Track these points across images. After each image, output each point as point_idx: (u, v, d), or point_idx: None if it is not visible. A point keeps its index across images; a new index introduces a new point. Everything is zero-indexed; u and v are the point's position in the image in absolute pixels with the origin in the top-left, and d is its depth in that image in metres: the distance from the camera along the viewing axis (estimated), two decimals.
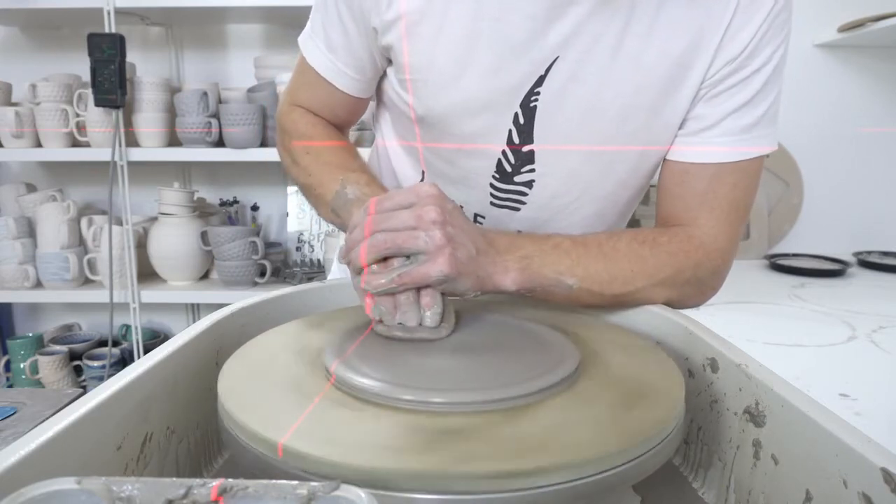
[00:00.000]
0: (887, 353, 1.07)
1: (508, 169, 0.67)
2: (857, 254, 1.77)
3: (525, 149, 0.65)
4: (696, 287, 0.63)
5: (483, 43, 0.60)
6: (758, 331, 1.16)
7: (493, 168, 0.67)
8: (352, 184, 0.63)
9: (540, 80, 0.61)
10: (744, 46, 0.59)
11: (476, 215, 0.73)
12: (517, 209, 0.70)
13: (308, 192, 0.70)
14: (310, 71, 0.70)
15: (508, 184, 0.68)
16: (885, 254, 1.79)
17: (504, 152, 0.66)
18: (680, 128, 0.64)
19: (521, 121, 0.63)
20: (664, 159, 0.67)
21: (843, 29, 1.68)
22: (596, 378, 0.44)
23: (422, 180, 0.75)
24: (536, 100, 0.62)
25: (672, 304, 0.61)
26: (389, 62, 0.67)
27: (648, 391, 0.42)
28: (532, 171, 0.66)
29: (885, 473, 0.30)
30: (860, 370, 1.01)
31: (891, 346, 1.09)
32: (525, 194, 0.68)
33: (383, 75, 0.71)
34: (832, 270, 1.64)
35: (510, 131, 0.64)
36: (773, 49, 0.60)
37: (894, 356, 1.05)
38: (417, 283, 0.49)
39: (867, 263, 1.72)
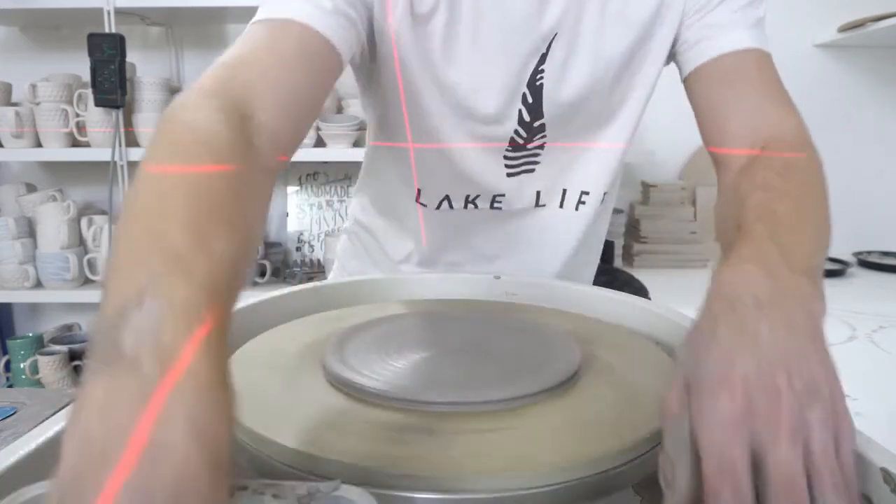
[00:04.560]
0: (887, 353, 1.06)
1: (521, 142, 0.70)
2: (857, 254, 1.77)
3: (536, 123, 0.68)
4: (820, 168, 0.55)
5: (486, 31, 0.62)
6: None
7: (506, 146, 0.70)
8: (154, 296, 0.27)
9: (543, 58, 0.64)
10: None
11: (494, 197, 0.72)
12: (532, 170, 0.72)
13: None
14: (272, 28, 0.53)
15: (521, 152, 0.71)
16: (885, 254, 1.78)
17: (516, 130, 0.68)
18: (698, 32, 0.62)
19: (530, 100, 0.66)
20: (699, 75, 0.62)
21: (843, 29, 1.68)
22: (596, 378, 0.44)
23: (417, 194, 0.73)
24: (542, 78, 0.65)
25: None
26: (368, 56, 0.63)
27: (648, 391, 0.42)
28: (543, 136, 0.69)
29: (885, 473, 0.30)
30: (860, 370, 1.00)
31: (891, 346, 1.09)
32: (538, 155, 0.71)
33: (380, 74, 0.66)
34: (832, 270, 1.64)
35: (520, 111, 0.67)
36: None
37: (894, 356, 1.05)
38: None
39: (867, 263, 1.71)
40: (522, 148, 0.70)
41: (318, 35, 0.51)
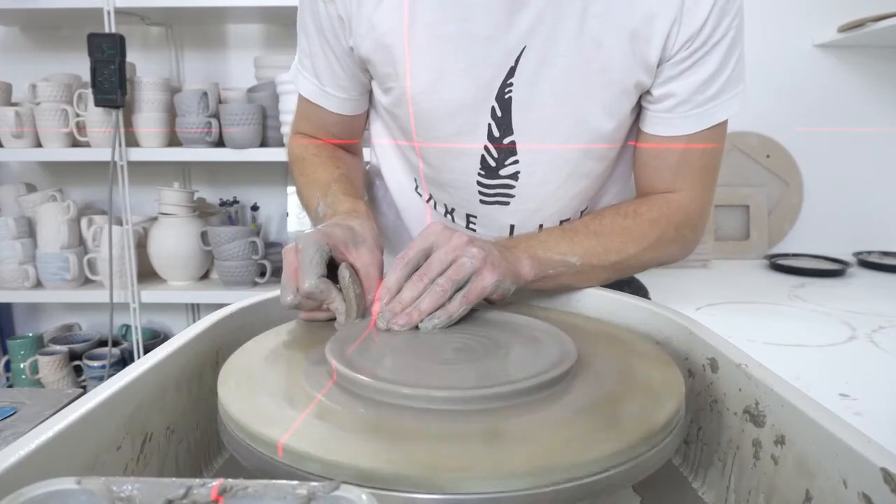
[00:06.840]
0: (887, 353, 1.06)
1: (493, 164, 0.68)
2: (857, 254, 1.76)
3: (506, 140, 0.67)
4: (681, 244, 0.70)
5: (452, 45, 0.62)
6: (758, 331, 1.16)
7: (478, 165, 0.69)
8: (324, 197, 0.68)
9: (511, 72, 0.63)
10: (702, 23, 0.61)
11: (468, 216, 0.73)
12: (507, 203, 0.71)
13: (305, 211, 0.76)
14: (303, 99, 0.76)
15: (494, 178, 0.69)
16: (885, 254, 1.78)
17: (486, 147, 0.67)
18: (652, 103, 0.66)
19: (499, 114, 0.65)
20: (640, 131, 0.69)
21: (843, 29, 1.68)
22: (596, 377, 0.44)
23: (416, 186, 0.77)
24: (511, 91, 0.64)
25: (664, 262, 0.69)
26: (370, 75, 0.70)
27: (648, 391, 0.42)
28: (516, 162, 0.68)
29: (885, 473, 0.30)
30: (860, 370, 1.00)
31: (891, 346, 1.09)
32: (512, 187, 0.70)
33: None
34: (832, 270, 1.64)
35: (489, 126, 0.66)
36: (731, 19, 0.62)
37: (894, 356, 1.05)
38: (479, 298, 0.53)
39: (867, 263, 1.71)
40: (495, 173, 0.69)
41: (321, 108, 0.75)
